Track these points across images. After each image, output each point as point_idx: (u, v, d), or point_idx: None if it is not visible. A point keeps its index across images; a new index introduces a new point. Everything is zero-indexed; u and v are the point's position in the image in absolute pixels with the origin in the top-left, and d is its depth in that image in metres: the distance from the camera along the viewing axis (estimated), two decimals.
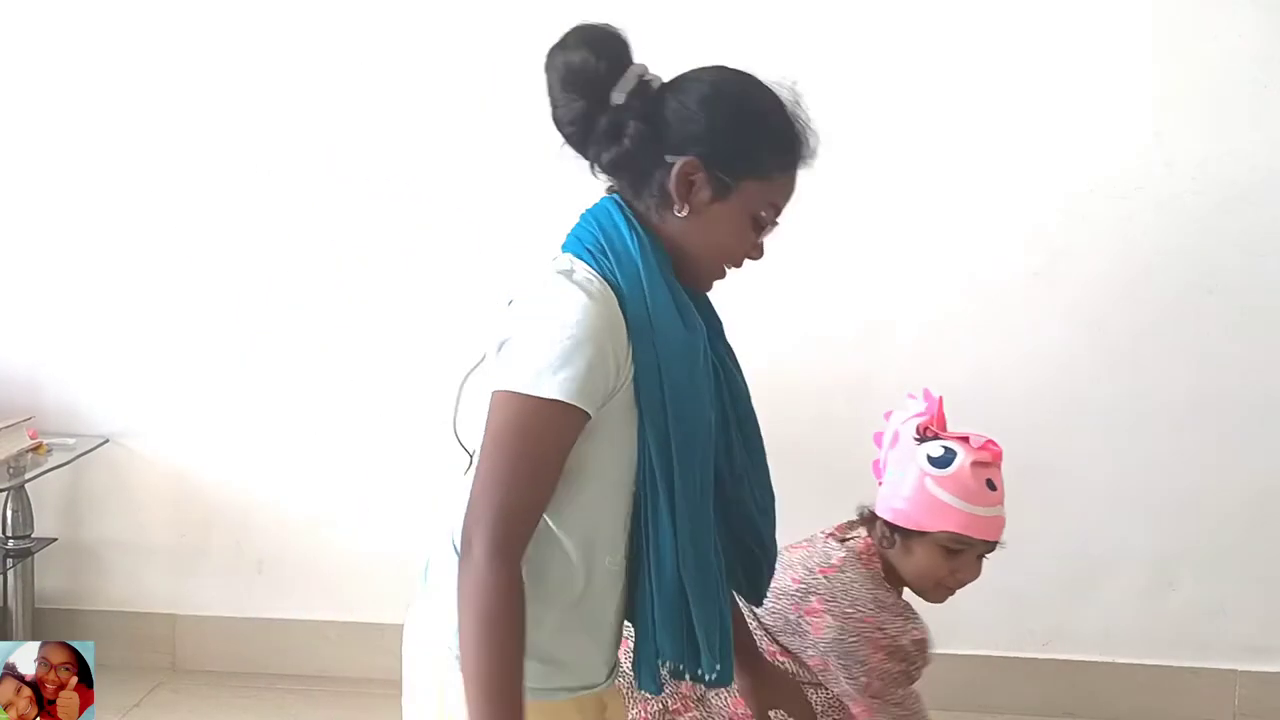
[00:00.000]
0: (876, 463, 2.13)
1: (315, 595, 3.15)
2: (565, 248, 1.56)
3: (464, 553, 1.41)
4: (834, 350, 2.97)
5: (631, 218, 1.52)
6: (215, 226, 3.01)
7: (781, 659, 2.06)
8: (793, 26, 2.91)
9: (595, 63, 1.50)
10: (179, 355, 3.03)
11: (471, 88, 3.04)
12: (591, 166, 1.57)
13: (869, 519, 2.09)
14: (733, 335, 1.64)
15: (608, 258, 1.50)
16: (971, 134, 2.90)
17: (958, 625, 2.57)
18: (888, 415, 2.12)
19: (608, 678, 1.57)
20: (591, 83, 1.50)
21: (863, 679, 2.02)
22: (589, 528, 1.49)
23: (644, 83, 1.51)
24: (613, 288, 1.47)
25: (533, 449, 1.42)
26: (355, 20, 3.01)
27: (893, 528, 2.05)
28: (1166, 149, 2.87)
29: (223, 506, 3.09)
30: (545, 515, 1.46)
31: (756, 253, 1.55)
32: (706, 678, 1.53)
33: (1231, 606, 3.02)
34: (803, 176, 1.54)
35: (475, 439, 1.51)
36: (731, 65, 1.56)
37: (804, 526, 2.06)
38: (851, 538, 2.11)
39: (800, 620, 2.05)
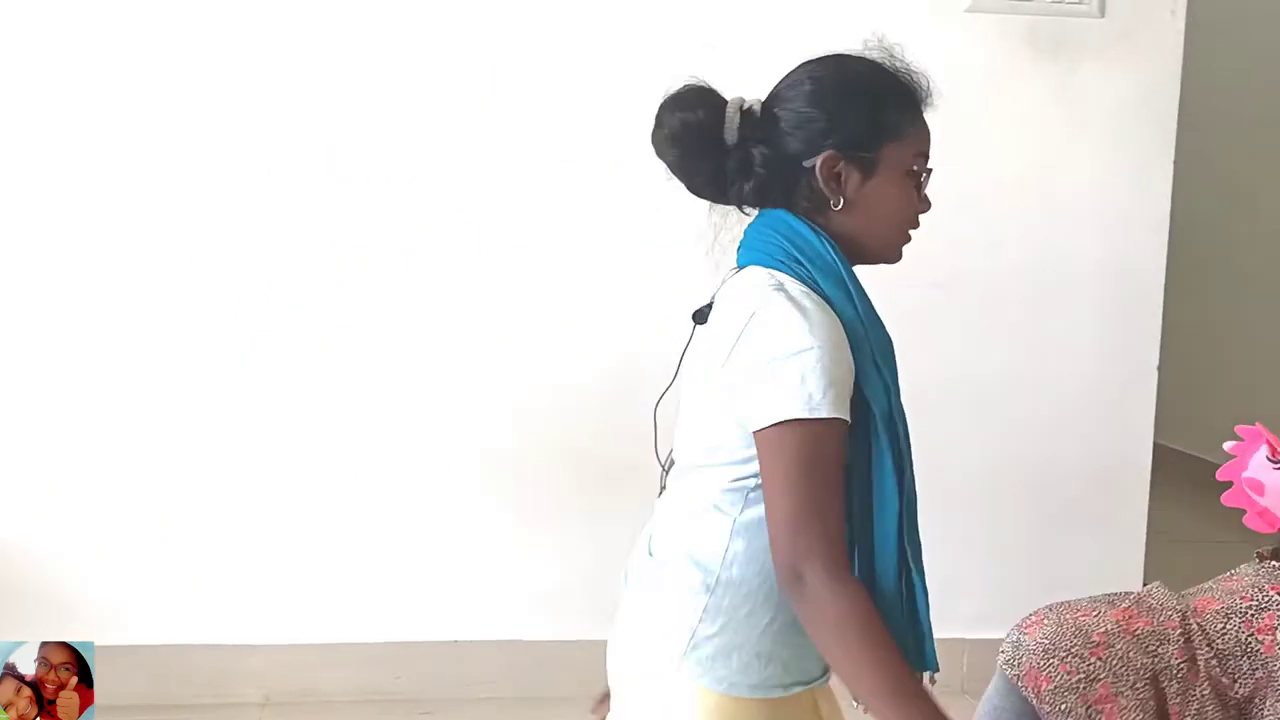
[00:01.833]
0: (1255, 514, 2.08)
1: (317, 604, 3.13)
2: (751, 260, 1.58)
3: (797, 589, 1.45)
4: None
5: (811, 223, 1.56)
6: (215, 226, 3.00)
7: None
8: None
9: (695, 119, 1.55)
10: (178, 355, 3.02)
11: (471, 88, 3.04)
12: (740, 207, 1.61)
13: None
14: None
15: (804, 266, 1.53)
16: None
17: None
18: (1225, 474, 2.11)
19: (822, 674, 1.60)
20: (702, 140, 1.55)
21: None
22: None
23: (747, 112, 1.56)
24: (821, 295, 1.51)
25: (828, 470, 1.47)
26: (355, 20, 3.01)
27: None
28: None
29: (222, 506, 3.08)
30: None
31: (925, 205, 1.60)
32: (929, 665, 1.57)
33: (962, 579, 3.10)
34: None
35: (690, 455, 1.58)
36: (812, 56, 1.61)
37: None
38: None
39: (1251, 639, 2.03)
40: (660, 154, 1.58)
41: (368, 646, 3.14)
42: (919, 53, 2.75)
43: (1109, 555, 3.26)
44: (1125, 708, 2.00)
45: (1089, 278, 3.24)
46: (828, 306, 1.50)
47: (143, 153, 2.96)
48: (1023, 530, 3.25)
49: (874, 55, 1.59)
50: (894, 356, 1.56)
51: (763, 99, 1.59)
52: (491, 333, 3.13)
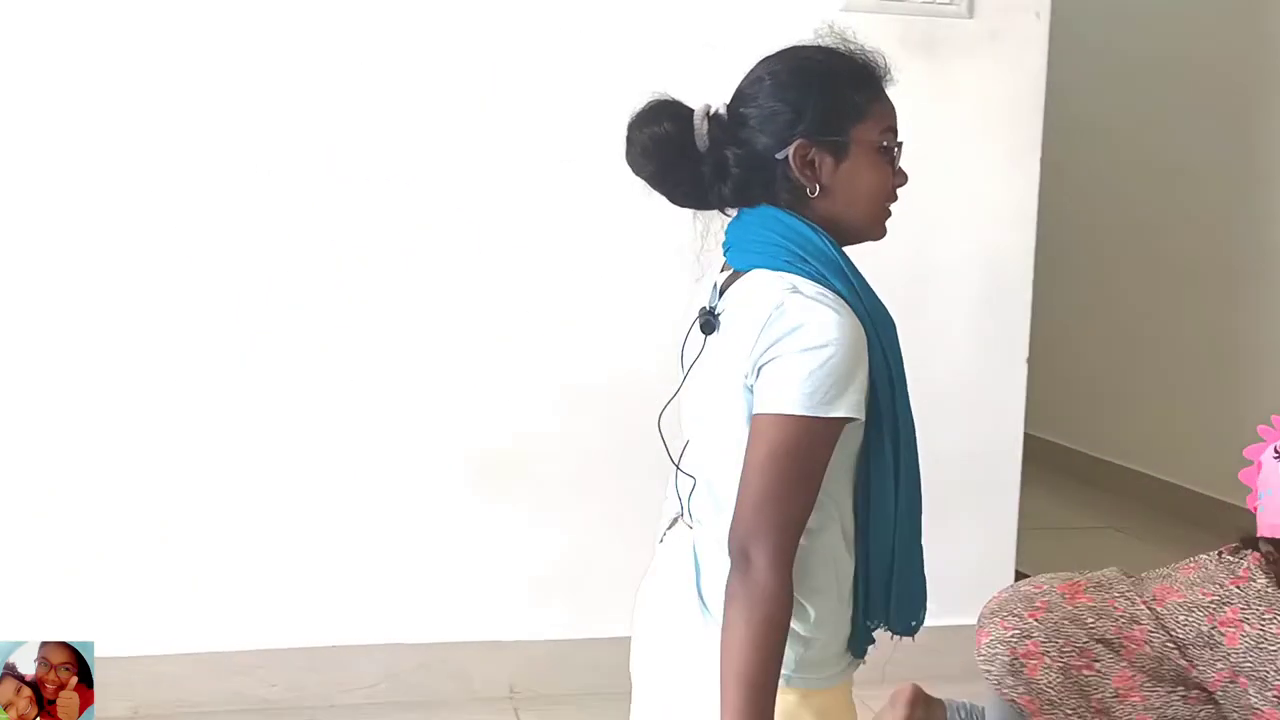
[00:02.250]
0: (1250, 498, 2.25)
1: (319, 607, 3.13)
2: (755, 264, 1.59)
3: (741, 564, 1.50)
4: None
5: (802, 218, 1.58)
6: (215, 226, 2.99)
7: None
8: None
9: (664, 132, 1.58)
10: (178, 355, 3.00)
11: (471, 88, 3.05)
12: (721, 210, 1.64)
13: (1250, 541, 2.21)
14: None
15: (808, 263, 1.56)
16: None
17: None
18: (1249, 452, 2.27)
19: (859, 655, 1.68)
20: (674, 151, 1.59)
21: (1273, 692, 2.08)
22: (846, 516, 1.59)
23: (714, 116, 1.60)
24: (835, 292, 1.54)
25: (811, 465, 1.51)
26: (355, 20, 3.01)
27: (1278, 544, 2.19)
28: None
29: (221, 506, 3.07)
30: (833, 513, 1.57)
31: (902, 178, 1.62)
32: (913, 624, 1.66)
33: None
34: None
35: (720, 467, 1.59)
36: (768, 52, 1.65)
37: None
38: (1243, 555, 2.21)
39: (1214, 631, 2.13)
40: (637, 171, 1.61)
41: (361, 648, 3.13)
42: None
43: (982, 543, 3.32)
44: (1047, 666, 2.20)
45: (960, 272, 3.28)
46: (844, 304, 1.53)
47: (143, 153, 2.95)
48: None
49: (827, 42, 1.63)
50: (897, 341, 1.60)
51: (727, 103, 1.62)
52: (492, 333, 3.13)
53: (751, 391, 1.53)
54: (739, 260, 1.62)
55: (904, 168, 1.63)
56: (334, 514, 3.10)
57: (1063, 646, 2.23)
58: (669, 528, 1.70)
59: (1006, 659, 2.25)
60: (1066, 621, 2.24)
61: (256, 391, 3.03)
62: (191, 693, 3.05)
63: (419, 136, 3.05)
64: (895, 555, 1.61)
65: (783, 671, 1.53)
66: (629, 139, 1.60)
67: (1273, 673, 2.10)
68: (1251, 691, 2.12)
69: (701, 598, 1.61)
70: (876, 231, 1.64)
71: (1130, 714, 2.22)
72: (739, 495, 1.52)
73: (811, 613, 1.57)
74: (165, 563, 3.02)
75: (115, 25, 2.89)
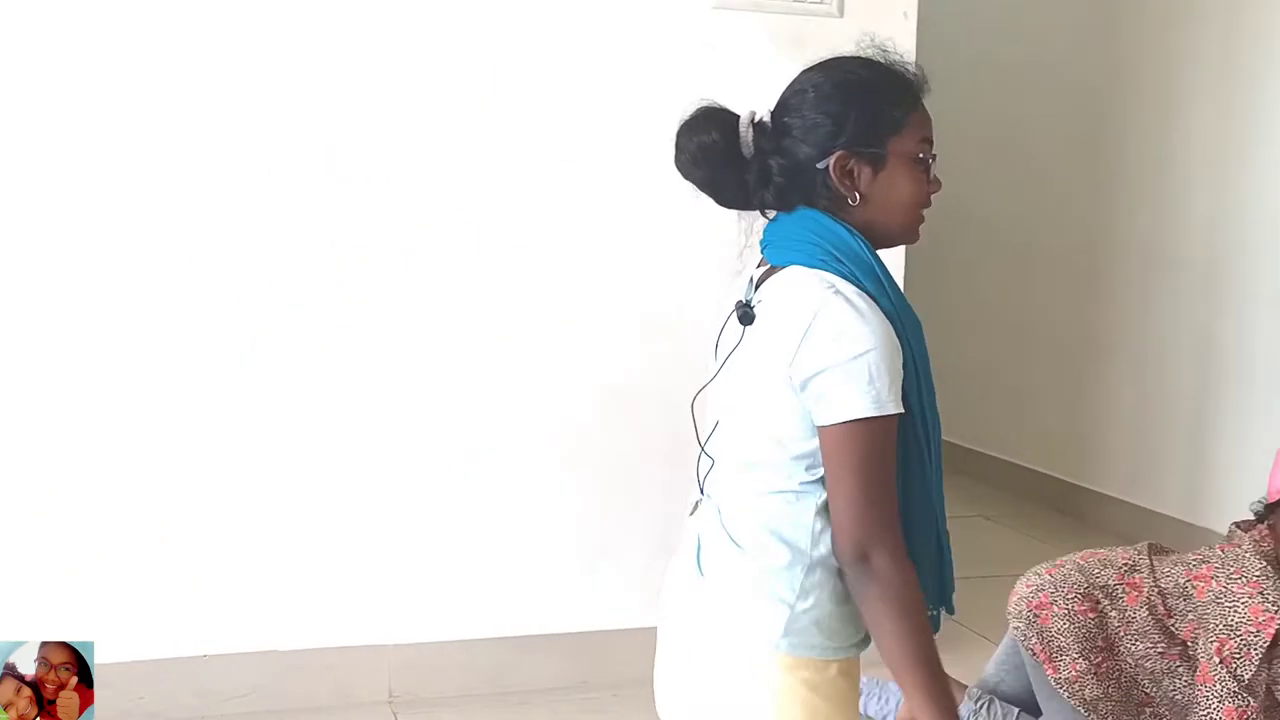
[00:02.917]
0: (1270, 478, 2.45)
1: (319, 608, 3.10)
2: (792, 260, 1.66)
3: (864, 569, 1.59)
4: None
5: (841, 220, 1.65)
6: (215, 226, 2.97)
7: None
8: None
9: (711, 141, 1.67)
10: (179, 355, 2.98)
11: (471, 88, 3.06)
12: (763, 213, 1.72)
13: (1270, 509, 2.40)
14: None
15: (843, 264, 1.62)
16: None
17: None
18: None
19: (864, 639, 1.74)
20: (721, 158, 1.67)
21: (1214, 644, 2.26)
22: None
23: (758, 125, 1.68)
24: (868, 294, 1.61)
25: (887, 460, 1.60)
26: (355, 20, 3.01)
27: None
28: None
29: (221, 506, 3.04)
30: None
31: (935, 186, 1.69)
32: (948, 605, 1.74)
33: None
34: None
35: (751, 450, 1.66)
36: (812, 63, 1.72)
37: None
38: (1249, 527, 2.42)
39: (1189, 584, 2.35)
40: (687, 176, 1.69)
41: (231, 657, 3.05)
42: (667, 48, 2.80)
43: None
44: (1055, 614, 2.40)
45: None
46: (876, 305, 1.60)
47: (143, 154, 2.92)
48: None
49: (869, 53, 1.71)
50: (923, 338, 1.67)
51: (771, 110, 1.70)
52: (492, 332, 3.13)
53: (800, 389, 1.59)
54: (777, 256, 1.68)
55: (938, 176, 1.69)
56: (333, 513, 3.08)
57: (1067, 593, 2.41)
58: (691, 511, 1.78)
59: (1026, 612, 2.44)
60: (1074, 572, 2.44)
61: (256, 391, 3.01)
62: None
63: (419, 136, 3.04)
64: (941, 541, 1.71)
65: (786, 636, 1.63)
66: (678, 146, 1.68)
67: (1220, 627, 2.26)
68: (1200, 643, 2.28)
69: (699, 562, 1.70)
70: (911, 236, 1.72)
71: (1130, 652, 2.39)
72: (836, 509, 1.60)
73: (807, 582, 1.64)
74: (165, 563, 2.99)
75: (115, 26, 2.87)
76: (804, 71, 1.72)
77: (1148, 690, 2.41)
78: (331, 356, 3.05)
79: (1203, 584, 2.35)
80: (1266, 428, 4.14)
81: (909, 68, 1.71)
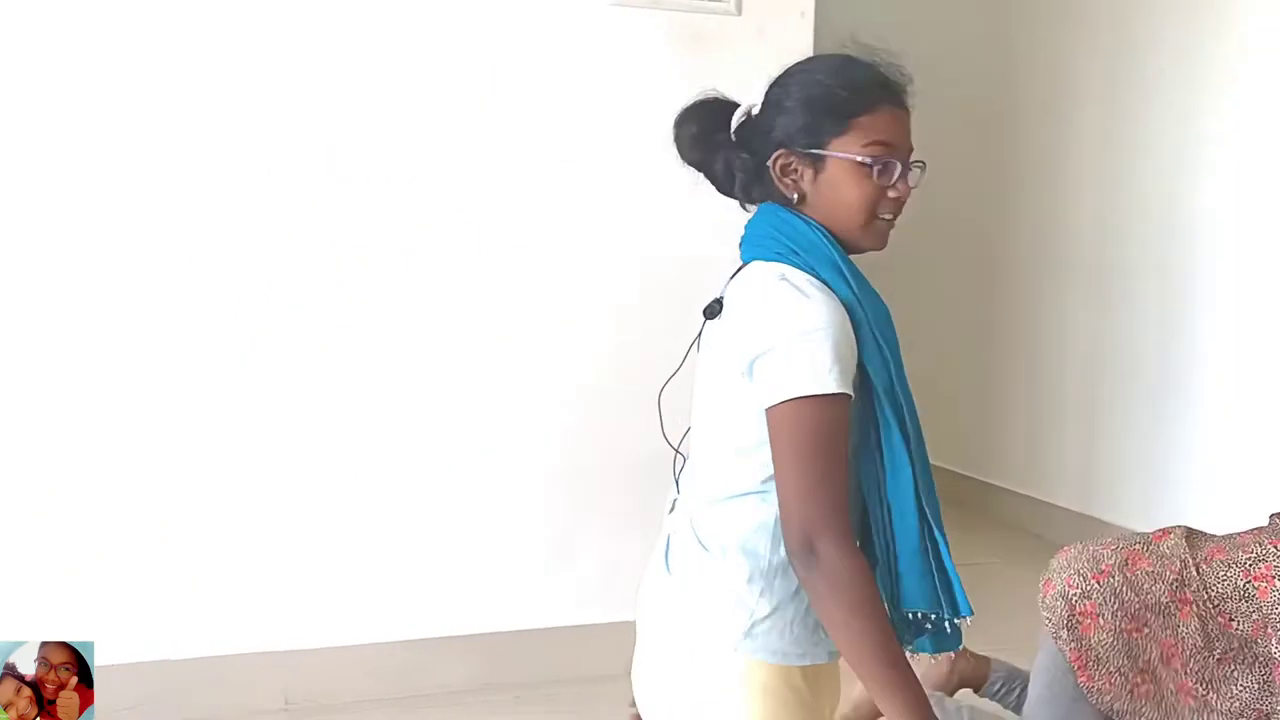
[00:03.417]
0: None
1: (321, 606, 3.10)
2: (754, 256, 1.67)
3: (809, 560, 1.53)
4: None
5: (801, 214, 1.65)
6: (215, 226, 2.97)
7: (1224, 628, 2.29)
8: None
9: (688, 134, 1.71)
10: (178, 355, 2.97)
11: (472, 87, 3.07)
12: (743, 206, 1.74)
13: None
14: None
15: (799, 255, 1.62)
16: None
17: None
18: None
19: None
20: (700, 148, 1.71)
21: None
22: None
23: (747, 117, 1.70)
24: (821, 281, 1.60)
25: (834, 444, 1.55)
26: (355, 20, 3.01)
27: None
28: None
29: (221, 507, 3.04)
30: None
31: (894, 191, 1.64)
32: (963, 609, 1.63)
33: (626, 561, 3.08)
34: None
35: (716, 449, 1.66)
36: (807, 58, 1.72)
37: None
38: None
39: (1249, 585, 2.26)
40: (685, 159, 1.73)
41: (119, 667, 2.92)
42: (565, 46, 2.84)
43: None
44: (1100, 627, 2.34)
45: (723, 272, 3.32)
46: (830, 291, 1.59)
47: (143, 153, 2.91)
48: None
49: (848, 52, 1.69)
50: (894, 330, 1.64)
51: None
52: (491, 332, 3.14)
53: (750, 377, 1.58)
54: (744, 253, 1.70)
55: (906, 182, 1.64)
56: (331, 513, 3.09)
57: (1116, 610, 2.34)
58: (670, 509, 1.78)
59: (1065, 613, 2.38)
60: (1124, 588, 2.35)
61: (256, 392, 3.01)
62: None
63: (419, 136, 3.05)
64: (931, 539, 1.62)
65: (746, 641, 1.61)
66: (673, 134, 1.73)
67: None
68: (1274, 642, 2.21)
69: (668, 561, 1.70)
70: (866, 242, 1.67)
71: (1174, 677, 2.32)
72: (781, 492, 1.56)
73: (766, 586, 1.61)
74: (168, 560, 2.99)
75: (115, 27, 2.87)
76: (788, 69, 1.73)
77: (1194, 708, 2.35)
78: (331, 356, 3.05)
79: (1265, 584, 2.28)
80: (1151, 421, 4.25)
81: (884, 68, 1.67)
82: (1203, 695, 2.31)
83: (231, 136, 2.95)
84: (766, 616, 1.61)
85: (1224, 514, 4.05)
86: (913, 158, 1.66)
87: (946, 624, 1.64)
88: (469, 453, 3.16)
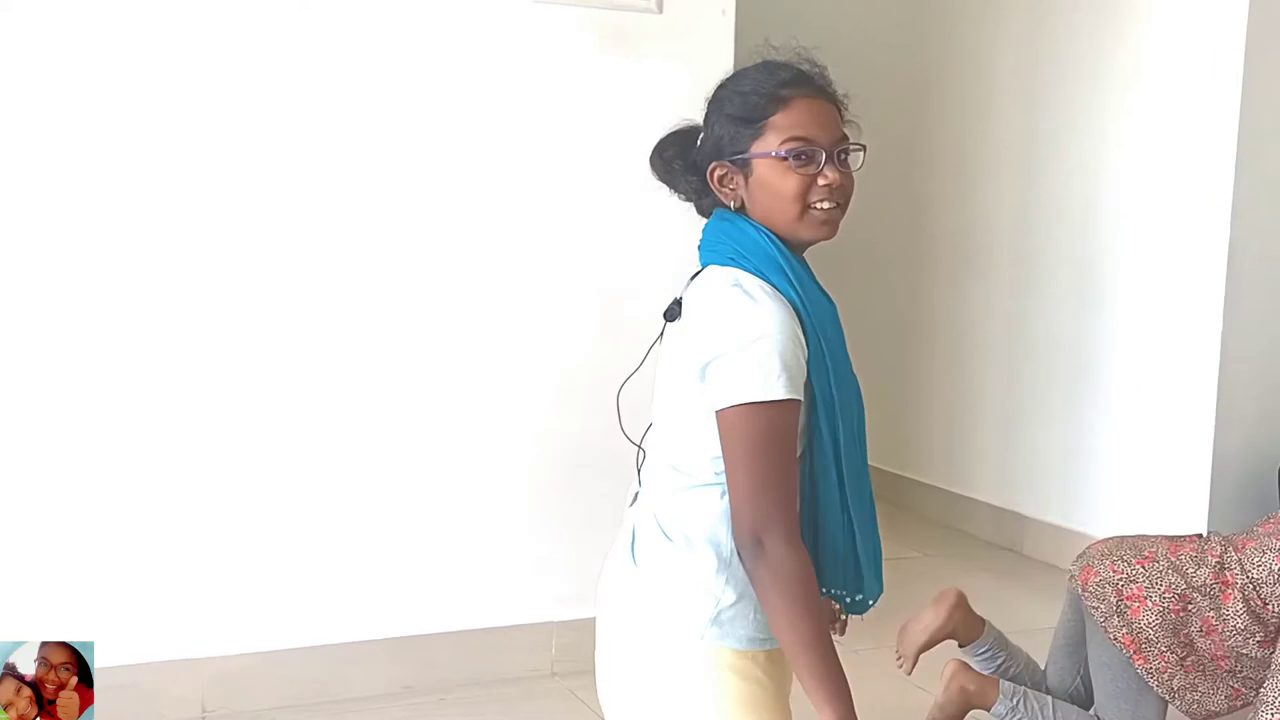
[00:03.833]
0: None
1: (240, 612, 3.06)
2: (709, 260, 1.74)
3: (756, 552, 1.61)
4: None
5: (749, 219, 1.71)
6: (215, 227, 2.95)
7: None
8: None
9: (658, 160, 1.78)
10: (178, 355, 2.94)
11: (471, 87, 3.08)
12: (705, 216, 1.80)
13: None
14: None
15: (748, 259, 1.68)
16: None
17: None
18: None
19: None
20: (666, 173, 1.79)
21: None
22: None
23: (694, 140, 1.77)
24: (771, 284, 1.66)
25: (782, 447, 1.62)
26: (355, 20, 3.01)
27: None
28: None
29: (221, 508, 3.01)
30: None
31: (823, 179, 1.68)
32: (869, 602, 1.75)
33: (551, 560, 3.27)
34: None
35: (675, 446, 1.71)
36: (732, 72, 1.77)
37: None
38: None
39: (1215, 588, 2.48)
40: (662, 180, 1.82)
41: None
42: (487, 43, 2.92)
43: None
44: (1149, 609, 2.47)
45: (651, 270, 3.17)
46: (779, 295, 1.65)
47: (143, 153, 2.90)
48: (608, 512, 3.25)
49: (765, 56, 1.75)
50: (838, 327, 1.71)
51: None
52: (490, 333, 3.17)
53: (702, 379, 1.64)
54: (701, 257, 1.77)
55: (837, 168, 1.68)
56: (332, 513, 3.09)
57: (1164, 593, 2.48)
58: (631, 503, 1.83)
59: (1114, 600, 2.50)
60: (1170, 570, 2.51)
61: (256, 392, 2.99)
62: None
63: (419, 136, 3.07)
64: (854, 529, 1.70)
65: (711, 628, 1.67)
66: (659, 145, 1.81)
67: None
68: None
69: (633, 553, 1.75)
70: (807, 233, 1.71)
71: (1210, 649, 2.48)
72: (732, 491, 1.64)
73: (730, 575, 1.68)
74: (168, 560, 2.96)
75: (113, 28, 2.84)
76: (716, 86, 1.79)
77: (1231, 684, 2.52)
78: (331, 356, 3.05)
79: (1229, 591, 2.47)
80: (1066, 415, 4.33)
81: (796, 65, 1.73)
82: (1233, 666, 2.49)
83: (231, 136, 2.95)
84: (732, 604, 1.68)
85: (1135, 509, 4.13)
86: (845, 144, 1.72)
87: (868, 602, 1.76)
88: (380, 458, 3.13)
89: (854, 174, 1.74)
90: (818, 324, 1.67)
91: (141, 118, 2.89)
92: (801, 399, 1.63)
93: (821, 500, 1.69)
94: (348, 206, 3.05)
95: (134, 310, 2.92)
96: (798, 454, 1.67)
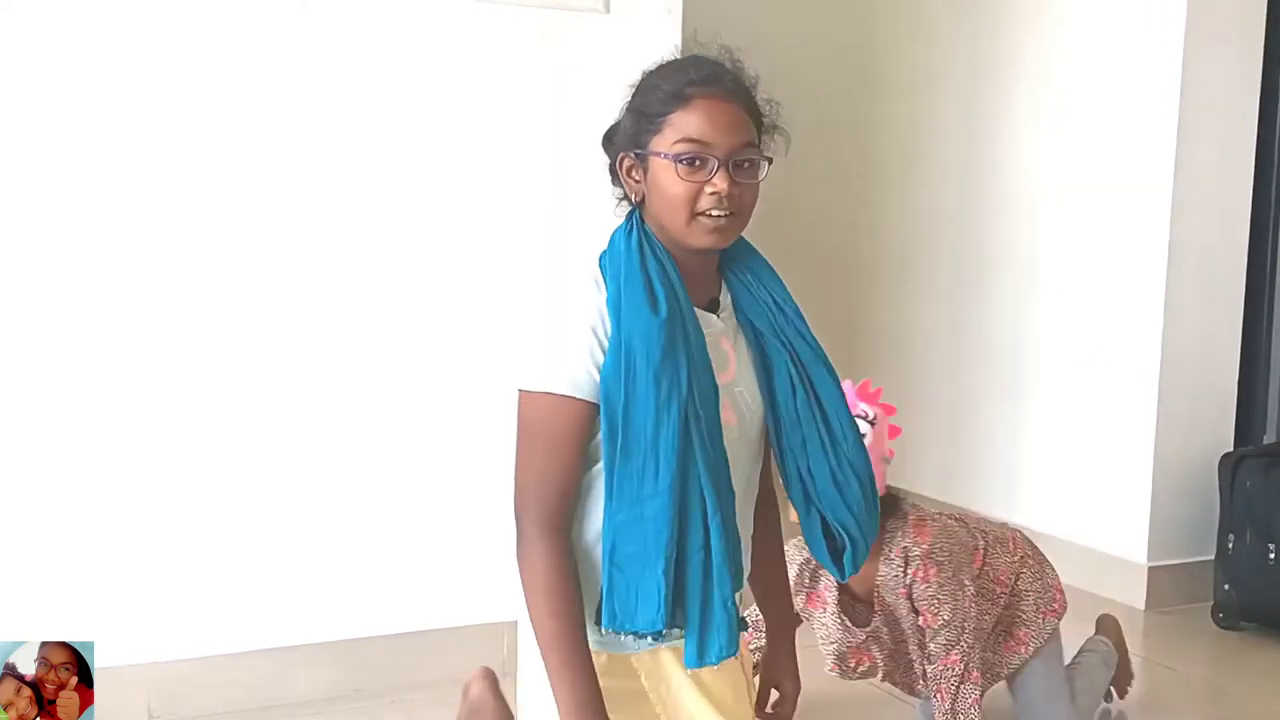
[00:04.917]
0: None
1: (185, 616, 3.01)
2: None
3: (518, 531, 1.62)
4: None
5: (632, 221, 1.71)
6: (215, 227, 2.92)
7: None
8: None
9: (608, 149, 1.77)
10: (178, 356, 2.91)
11: (471, 87, 3.09)
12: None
13: None
14: None
15: (605, 258, 1.69)
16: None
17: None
18: None
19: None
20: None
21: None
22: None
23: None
24: (608, 281, 1.65)
25: (550, 439, 1.62)
26: (355, 20, 2.99)
27: None
28: None
29: (221, 509, 2.98)
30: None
31: (711, 187, 1.63)
32: (628, 627, 1.64)
33: (497, 563, 3.32)
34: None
35: None
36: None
37: None
38: None
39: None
40: None
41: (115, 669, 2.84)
42: (430, 42, 2.93)
43: None
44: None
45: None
46: (597, 295, 1.63)
47: (143, 153, 2.87)
48: None
49: (672, 55, 1.76)
50: (655, 343, 1.59)
51: None
52: (488, 332, 3.15)
53: None
54: None
55: (728, 178, 1.63)
56: (333, 515, 3.08)
57: (964, 545, 2.82)
58: None
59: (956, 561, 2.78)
60: (961, 533, 2.85)
61: (256, 392, 2.97)
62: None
63: (419, 136, 3.08)
64: (615, 556, 1.62)
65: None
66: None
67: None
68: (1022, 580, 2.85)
69: None
70: (693, 240, 1.66)
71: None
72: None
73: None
74: (168, 560, 2.93)
75: (113, 28, 2.81)
76: None
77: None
78: (331, 356, 3.05)
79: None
80: (1007, 409, 4.38)
81: (703, 64, 1.70)
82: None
83: (231, 136, 2.92)
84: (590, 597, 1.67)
85: (1079, 506, 4.19)
86: (747, 152, 1.66)
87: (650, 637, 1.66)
88: (323, 458, 3.09)
89: (757, 184, 1.68)
90: (642, 339, 1.59)
91: (140, 117, 2.86)
92: (571, 397, 1.60)
93: (618, 517, 1.60)
94: (329, 209, 3.03)
95: (111, 315, 2.89)
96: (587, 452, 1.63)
